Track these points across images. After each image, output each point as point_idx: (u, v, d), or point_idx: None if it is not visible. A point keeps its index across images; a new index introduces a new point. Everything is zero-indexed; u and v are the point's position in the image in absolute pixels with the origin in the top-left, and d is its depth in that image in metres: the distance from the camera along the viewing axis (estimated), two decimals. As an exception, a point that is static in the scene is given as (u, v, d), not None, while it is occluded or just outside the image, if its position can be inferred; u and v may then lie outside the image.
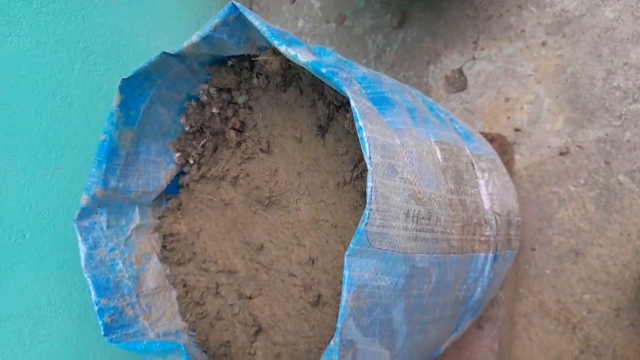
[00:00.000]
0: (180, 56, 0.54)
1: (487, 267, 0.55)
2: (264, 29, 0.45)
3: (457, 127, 0.61)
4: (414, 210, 0.42)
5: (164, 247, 0.65)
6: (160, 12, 0.90)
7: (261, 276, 0.57)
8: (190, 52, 0.52)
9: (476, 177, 0.57)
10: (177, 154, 0.65)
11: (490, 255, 0.55)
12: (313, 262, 0.53)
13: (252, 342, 0.56)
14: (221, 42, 0.51)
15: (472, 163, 0.57)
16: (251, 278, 0.58)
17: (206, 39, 0.51)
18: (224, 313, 0.59)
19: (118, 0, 0.81)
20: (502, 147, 0.70)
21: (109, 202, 0.60)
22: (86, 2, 0.76)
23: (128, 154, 0.60)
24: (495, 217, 0.57)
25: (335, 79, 0.40)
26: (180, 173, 0.67)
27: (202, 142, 0.63)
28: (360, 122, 0.39)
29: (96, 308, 0.55)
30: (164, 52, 0.53)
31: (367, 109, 0.41)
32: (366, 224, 0.38)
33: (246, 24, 0.48)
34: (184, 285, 0.63)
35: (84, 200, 0.58)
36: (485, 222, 0.55)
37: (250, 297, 0.58)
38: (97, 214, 0.60)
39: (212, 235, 0.62)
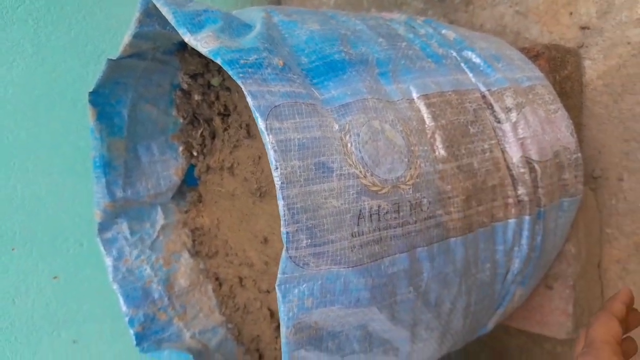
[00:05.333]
0: (133, 56, 0.50)
1: (525, 233, 0.45)
2: (171, 17, 0.38)
3: (472, 56, 0.48)
4: (370, 208, 0.34)
5: (194, 240, 0.64)
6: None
7: (272, 270, 0.53)
8: (133, 51, 0.47)
9: (497, 122, 0.45)
10: (181, 147, 0.62)
11: (527, 217, 0.44)
12: (308, 257, 0.47)
13: (277, 338, 0.54)
14: (159, 33, 0.45)
15: (488, 106, 0.45)
16: (264, 272, 0.54)
17: (139, 36, 0.45)
18: (250, 306, 0.57)
19: (116, -12, 0.78)
20: (553, 61, 0.54)
21: (126, 211, 0.60)
22: (82, 0, 0.74)
23: (126, 162, 0.58)
24: (532, 167, 0.45)
25: (233, 70, 0.32)
26: (193, 165, 0.64)
27: (199, 132, 0.59)
28: (261, 124, 0.31)
29: (126, 319, 0.56)
30: (108, 58, 0.48)
31: (281, 99, 0.32)
32: (287, 248, 0.31)
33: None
34: (217, 278, 0.62)
35: (97, 215, 0.58)
36: (513, 180, 0.44)
37: (267, 291, 0.54)
38: (117, 224, 0.60)
39: (229, 226, 0.60)
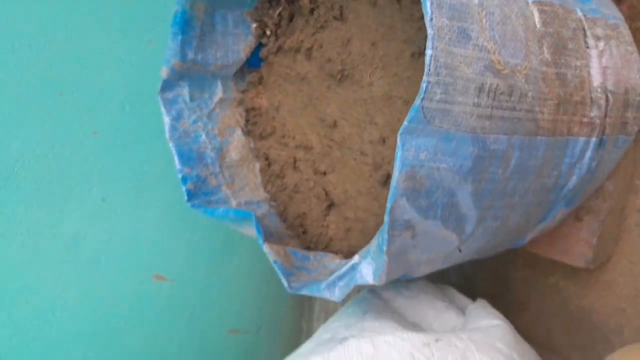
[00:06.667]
0: None
1: (588, 154, 0.48)
2: None
3: (571, -17, 0.50)
4: (490, 84, 0.36)
5: (247, 120, 0.66)
6: None
7: (334, 153, 0.55)
8: None
9: (587, 47, 0.47)
10: (254, 25, 0.62)
11: (594, 139, 0.48)
12: (384, 141, 0.49)
13: (326, 216, 0.57)
14: None
15: (583, 29, 0.47)
16: (325, 154, 0.57)
17: None
18: (302, 186, 0.60)
19: None
20: (632, 9, 0.57)
21: (190, 74, 0.61)
22: None
23: (203, 25, 0.58)
24: (607, 96, 0.48)
25: None
26: (260, 45, 0.64)
27: (277, 11, 0.60)
28: (422, -24, 0.32)
29: (180, 176, 0.58)
30: None
31: (437, -41, 0.34)
32: (422, 98, 0.33)
33: None
34: (266, 159, 0.64)
35: (164, 72, 0.59)
36: (591, 101, 0.47)
37: (324, 173, 0.57)
38: (179, 86, 0.61)
39: (291, 110, 0.61)
